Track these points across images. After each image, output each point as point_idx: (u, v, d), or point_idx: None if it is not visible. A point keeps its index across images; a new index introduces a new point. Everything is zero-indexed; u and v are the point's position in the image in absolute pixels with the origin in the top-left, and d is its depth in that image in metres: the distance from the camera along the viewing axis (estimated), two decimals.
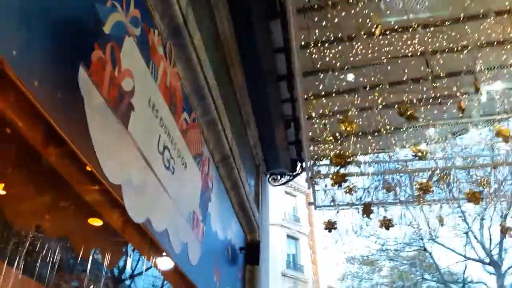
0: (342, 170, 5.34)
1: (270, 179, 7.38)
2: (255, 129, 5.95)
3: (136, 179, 2.31)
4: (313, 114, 5.43)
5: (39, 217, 2.95)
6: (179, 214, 3.05)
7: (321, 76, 5.09)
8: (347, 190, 6.27)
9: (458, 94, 5.30)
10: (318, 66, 4.95)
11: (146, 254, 3.24)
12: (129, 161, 2.26)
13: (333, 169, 6.06)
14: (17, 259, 4.28)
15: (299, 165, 7.24)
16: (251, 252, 6.08)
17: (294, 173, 7.11)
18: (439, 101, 5.43)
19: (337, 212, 7.08)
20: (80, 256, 4.30)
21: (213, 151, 4.44)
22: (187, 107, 3.34)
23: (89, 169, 2.21)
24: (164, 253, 2.97)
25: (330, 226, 6.48)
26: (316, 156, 6.66)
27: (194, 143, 3.45)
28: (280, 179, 7.25)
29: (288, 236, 25.38)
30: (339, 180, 5.25)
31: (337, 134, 5.64)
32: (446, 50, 4.94)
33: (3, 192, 3.20)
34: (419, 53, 4.87)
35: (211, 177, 4.21)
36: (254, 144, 6.31)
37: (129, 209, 2.20)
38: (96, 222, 3.07)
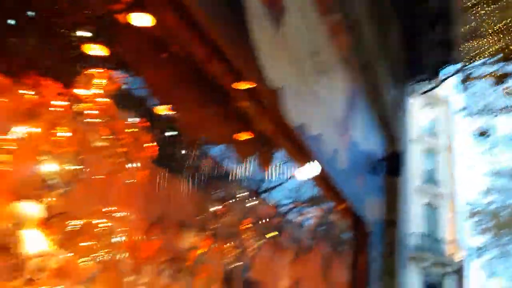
0: (504, 69, 4.63)
1: (412, 87, 6.88)
2: (397, 31, 5.47)
3: (292, 83, 2.33)
4: (469, 4, 4.65)
5: (202, 129, 3.21)
6: (330, 120, 3.06)
7: None
8: (508, 92, 5.46)
9: None
10: None
11: (298, 160, 3.37)
12: (285, 65, 2.27)
13: (490, 70, 5.34)
14: (179, 168, 4.82)
15: (445, 69, 6.55)
16: (392, 164, 5.97)
17: (440, 78, 6.47)
18: None
19: (493, 117, 6.30)
20: (233, 166, 4.67)
21: (354, 56, 4.25)
22: (331, 8, 3.17)
23: (250, 75, 2.28)
24: (315, 158, 3.05)
25: (483, 133, 5.88)
26: (470, 55, 5.89)
27: (339, 47, 3.32)
28: (424, 85, 6.69)
29: (425, 151, 24.24)
30: (500, 79, 4.57)
31: (501, 25, 4.79)
32: None
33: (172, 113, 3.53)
34: None
35: (354, 85, 4.09)
36: (395, 49, 5.86)
37: (288, 112, 2.24)
38: (252, 131, 3.24)
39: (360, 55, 4.32)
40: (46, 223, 2.30)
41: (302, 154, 3.22)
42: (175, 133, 4.36)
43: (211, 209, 4.84)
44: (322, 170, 3.32)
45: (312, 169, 3.51)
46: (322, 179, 3.64)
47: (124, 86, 3.51)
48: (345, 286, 5.17)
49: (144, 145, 3.14)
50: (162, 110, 4.31)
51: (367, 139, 4.84)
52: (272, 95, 2.24)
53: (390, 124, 5.74)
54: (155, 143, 3.17)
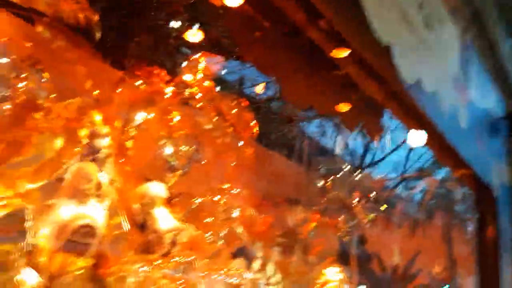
0: None
1: None
2: None
3: (403, 39, 2.17)
4: None
5: (306, 100, 3.16)
6: (446, 75, 2.80)
7: None
8: None
9: None
10: None
11: (410, 124, 3.16)
12: (393, 21, 2.11)
13: None
14: (282, 145, 4.84)
15: None
16: None
17: None
18: None
19: None
20: (338, 139, 4.56)
21: (463, 6, 3.84)
22: None
23: (354, 36, 2.17)
24: (431, 118, 2.82)
25: None
26: None
27: None
28: None
29: None
30: None
31: None
32: None
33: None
34: None
35: (466, 37, 3.69)
36: None
37: (400, 70, 2.09)
38: (357, 98, 3.11)
39: (469, 3, 3.89)
40: (170, 202, 2.45)
41: (415, 117, 3.00)
42: (275, 111, 4.38)
43: (318, 184, 4.81)
44: (439, 132, 3.07)
45: (427, 133, 3.26)
46: (439, 142, 3.36)
47: (223, 68, 3.61)
48: (469, 258, 4.81)
49: (247, 124, 3.19)
50: (261, 88, 4.38)
51: (485, 96, 4.37)
52: (381, 53, 2.10)
53: (509, 79, 5.13)
54: (256, 122, 3.21)
